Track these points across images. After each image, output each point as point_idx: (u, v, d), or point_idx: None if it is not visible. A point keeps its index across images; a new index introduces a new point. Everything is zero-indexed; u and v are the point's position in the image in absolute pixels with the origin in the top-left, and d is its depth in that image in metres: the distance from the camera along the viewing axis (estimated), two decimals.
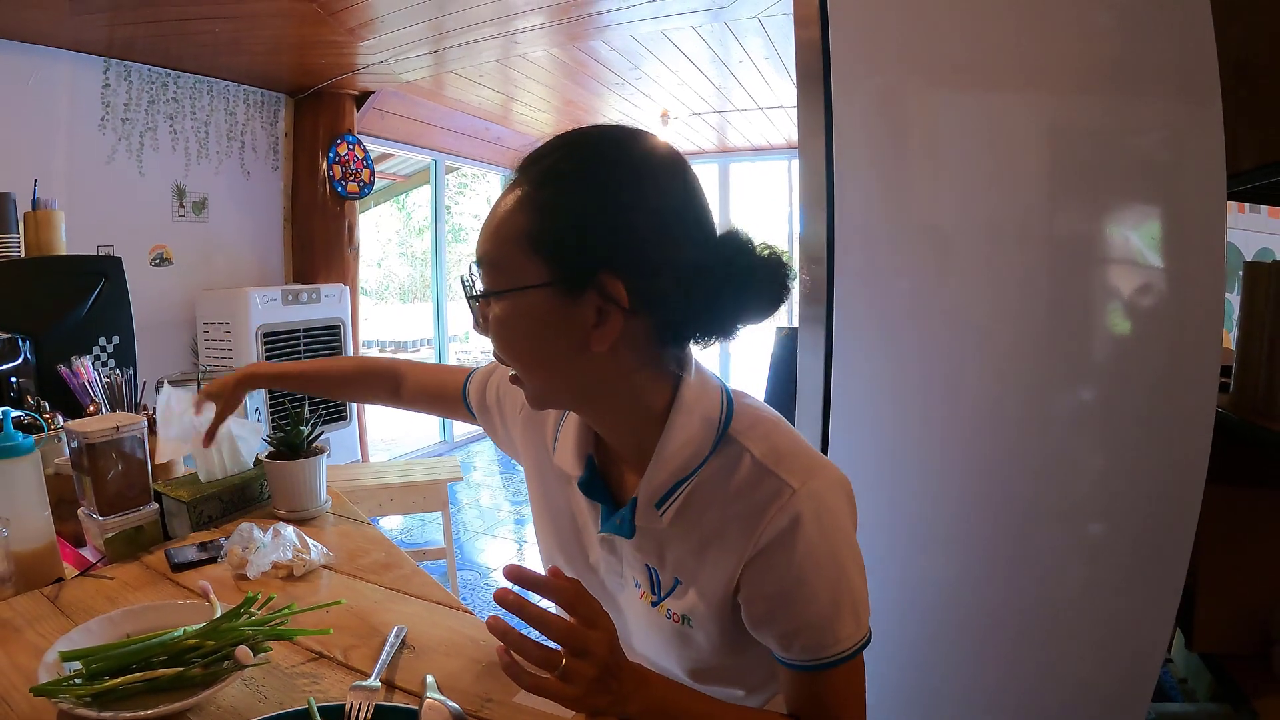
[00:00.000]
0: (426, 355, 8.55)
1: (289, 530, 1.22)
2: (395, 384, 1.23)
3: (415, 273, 11.57)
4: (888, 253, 1.37)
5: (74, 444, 1.23)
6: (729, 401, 0.77)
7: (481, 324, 0.75)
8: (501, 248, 0.71)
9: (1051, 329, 1.30)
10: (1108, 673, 1.35)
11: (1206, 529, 1.26)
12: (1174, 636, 1.68)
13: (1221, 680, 1.49)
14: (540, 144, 0.73)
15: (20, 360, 1.77)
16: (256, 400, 3.08)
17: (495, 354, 0.76)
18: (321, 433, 1.47)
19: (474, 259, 0.74)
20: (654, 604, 0.81)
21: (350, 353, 4.09)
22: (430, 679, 0.87)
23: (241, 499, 1.45)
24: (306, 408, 1.55)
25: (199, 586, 1.06)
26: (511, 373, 0.77)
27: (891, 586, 1.46)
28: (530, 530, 4.12)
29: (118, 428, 1.23)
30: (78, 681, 0.80)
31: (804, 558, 0.70)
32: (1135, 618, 1.32)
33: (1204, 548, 1.32)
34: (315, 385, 1.39)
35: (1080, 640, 1.36)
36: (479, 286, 0.74)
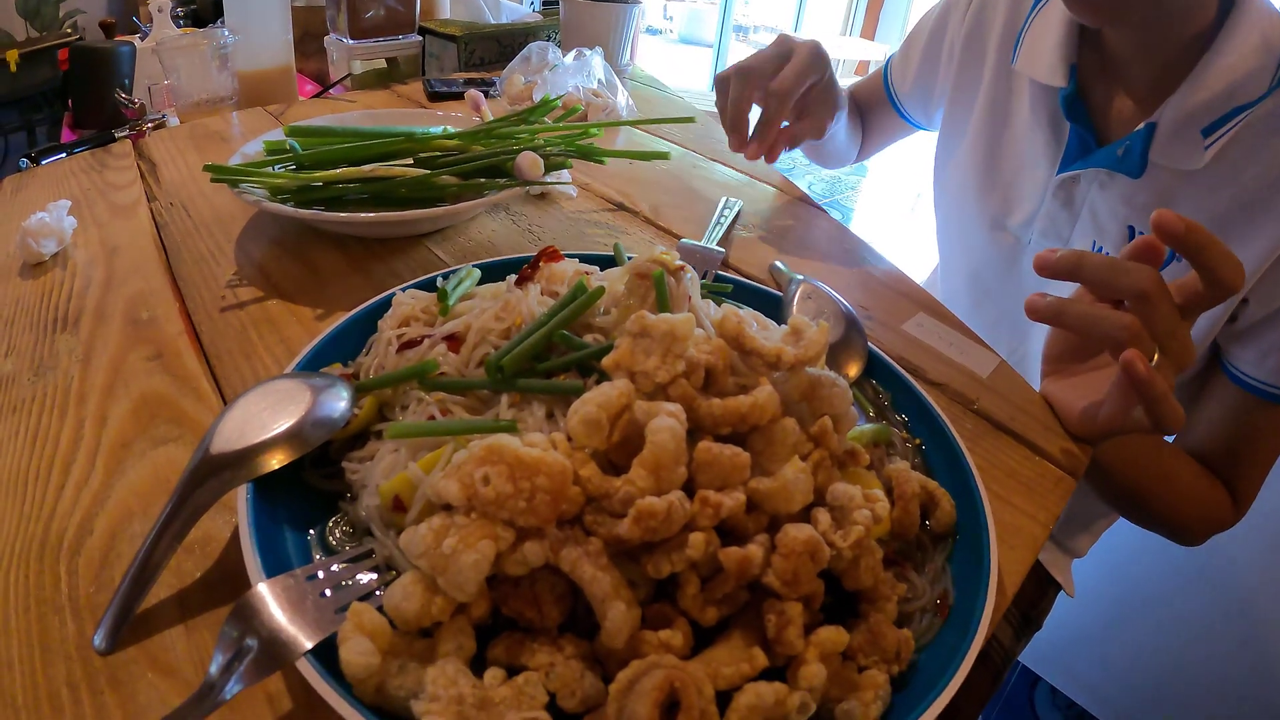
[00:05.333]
0: None
1: (598, 57, 0.87)
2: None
3: None
4: None
5: None
6: None
7: None
8: None
9: None
10: None
11: None
12: None
13: None
14: None
15: None
16: None
17: None
18: None
19: None
20: None
21: None
22: (783, 265, 0.52)
23: (522, 46, 1.12)
24: None
25: (469, 98, 0.75)
26: None
27: None
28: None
29: None
30: (278, 169, 0.52)
31: None
32: None
33: None
34: None
35: None
36: None
